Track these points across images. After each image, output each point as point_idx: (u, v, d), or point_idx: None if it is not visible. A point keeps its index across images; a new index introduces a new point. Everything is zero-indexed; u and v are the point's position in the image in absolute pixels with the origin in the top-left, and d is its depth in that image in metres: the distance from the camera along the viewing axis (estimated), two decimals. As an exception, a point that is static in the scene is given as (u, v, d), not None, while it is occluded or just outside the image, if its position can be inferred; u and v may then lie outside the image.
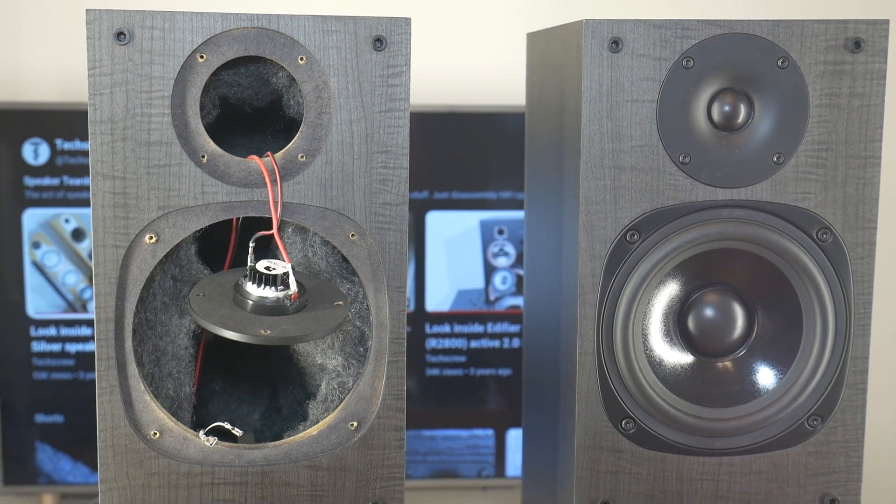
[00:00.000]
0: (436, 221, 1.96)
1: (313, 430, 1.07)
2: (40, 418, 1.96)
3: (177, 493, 1.05)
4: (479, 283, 1.98)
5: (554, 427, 1.17)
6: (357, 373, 1.07)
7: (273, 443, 1.07)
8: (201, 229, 1.04)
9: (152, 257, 1.03)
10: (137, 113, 1.01)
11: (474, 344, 1.99)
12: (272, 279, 1.02)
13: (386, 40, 1.03)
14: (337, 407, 1.07)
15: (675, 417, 1.08)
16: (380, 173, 1.04)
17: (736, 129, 1.06)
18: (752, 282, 1.08)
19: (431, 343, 1.99)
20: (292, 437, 1.07)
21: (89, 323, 1.94)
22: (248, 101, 1.07)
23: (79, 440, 1.96)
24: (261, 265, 1.02)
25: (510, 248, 1.97)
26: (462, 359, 1.99)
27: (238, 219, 1.09)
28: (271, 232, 1.02)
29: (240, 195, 1.03)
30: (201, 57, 1.01)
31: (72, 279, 1.93)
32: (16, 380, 1.94)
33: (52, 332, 1.93)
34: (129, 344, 1.03)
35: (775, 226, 1.07)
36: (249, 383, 1.23)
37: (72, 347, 1.94)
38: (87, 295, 1.94)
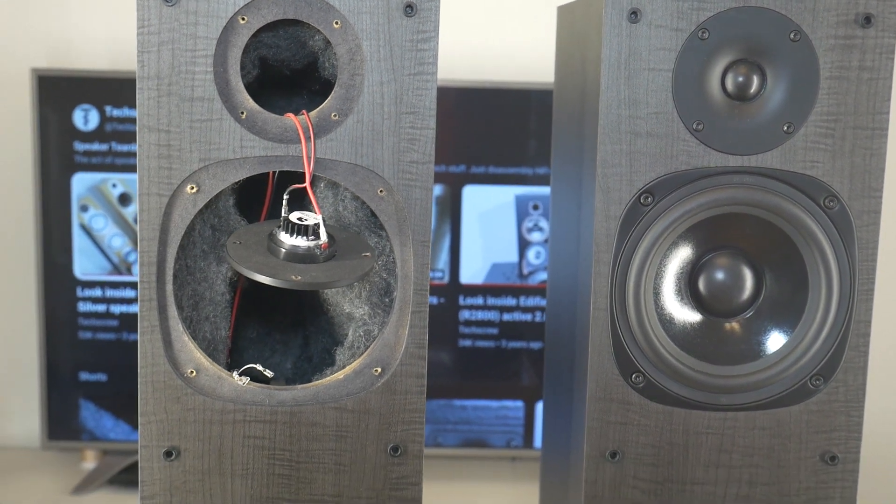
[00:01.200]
0: (472, 195, 2.05)
1: (339, 375, 1.16)
2: (84, 377, 2.06)
3: (210, 429, 1.15)
4: (513, 257, 2.06)
5: (570, 384, 1.25)
6: (382, 322, 1.16)
7: (301, 385, 1.16)
8: (239, 181, 1.13)
9: (193, 206, 1.12)
10: (182, 70, 1.10)
11: (507, 317, 2.07)
12: (304, 229, 1.11)
13: (416, 7, 1.11)
14: (363, 353, 1.16)
15: (683, 373, 1.16)
16: (408, 133, 1.13)
17: (748, 99, 1.13)
18: (761, 246, 1.16)
19: (465, 315, 2.07)
20: (320, 381, 1.16)
21: (134, 285, 2.04)
22: (286, 63, 1.16)
23: (121, 399, 2.07)
24: (294, 216, 1.11)
25: (544, 224, 2.05)
26: (494, 331, 2.08)
27: (274, 173, 1.18)
28: (304, 185, 1.11)
29: (276, 150, 1.12)
30: (242, 19, 1.10)
31: (118, 242, 2.03)
32: (62, 339, 2.04)
33: (97, 293, 2.04)
34: (169, 287, 1.13)
35: (784, 192, 1.14)
36: (282, 333, 1.32)
37: (116, 309, 2.04)
38: (132, 258, 2.04)
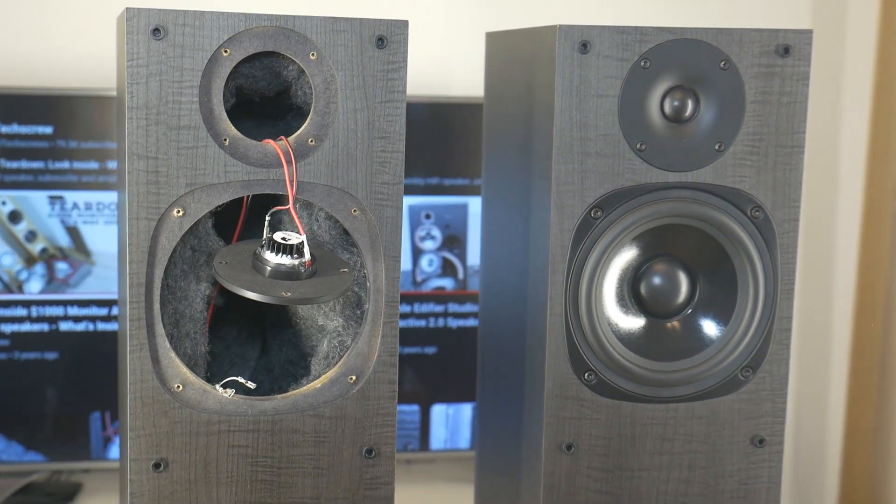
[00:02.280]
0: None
1: (317, 384, 1.27)
2: (-26, 397, 2.10)
3: (197, 440, 1.24)
4: (406, 265, 2.19)
5: (520, 385, 1.39)
6: (355, 333, 1.28)
7: (281, 395, 1.27)
8: (222, 204, 1.23)
9: (179, 229, 1.21)
10: (169, 100, 1.19)
11: (401, 323, 2.20)
12: (288, 248, 1.21)
13: (387, 39, 1.23)
14: (338, 363, 1.27)
15: (630, 370, 1.31)
16: (379, 156, 1.24)
17: (684, 122, 1.29)
18: (696, 252, 1.32)
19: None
20: (298, 390, 1.27)
21: (25, 304, 2.08)
22: (260, 91, 1.26)
23: (12, 419, 2.11)
24: (278, 236, 1.22)
25: (436, 232, 2.18)
26: (390, 337, 2.20)
27: (248, 196, 1.28)
28: (287, 207, 1.22)
29: (258, 174, 1.22)
30: (225, 51, 1.20)
31: (8, 261, 2.07)
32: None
33: (-14, 312, 2.08)
34: (156, 307, 1.21)
35: (716, 204, 1.31)
36: (240, 346, 1.42)
37: (7, 328, 2.08)
38: (23, 276, 2.08)
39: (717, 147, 1.30)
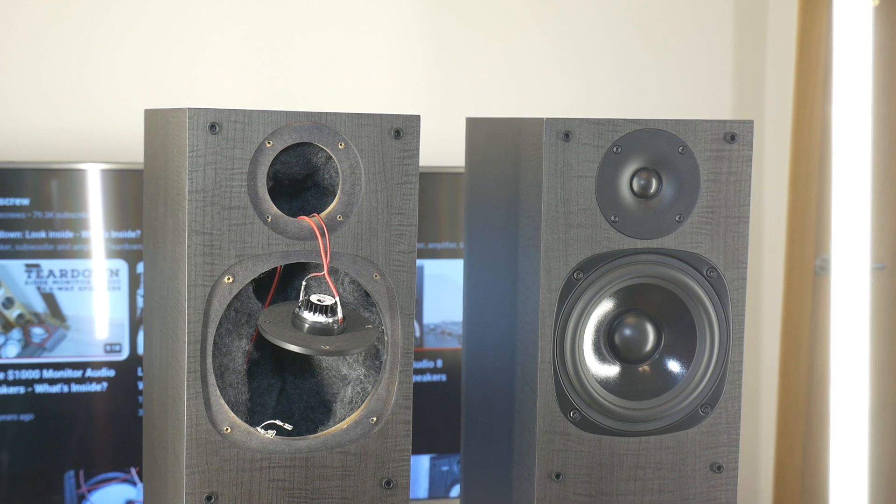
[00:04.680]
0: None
1: (343, 425, 1.60)
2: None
3: (243, 475, 1.56)
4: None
5: (509, 426, 1.73)
6: (375, 380, 1.61)
7: (313, 435, 1.59)
8: (266, 272, 1.56)
9: (229, 293, 1.54)
10: (222, 185, 1.52)
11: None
12: (324, 308, 1.55)
13: (402, 131, 1.58)
14: (360, 406, 1.61)
15: (608, 409, 1.66)
16: (396, 229, 1.59)
17: (650, 197, 1.66)
18: (661, 307, 1.68)
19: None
20: (327, 431, 1.59)
21: (1, 368, 2.36)
22: (292, 175, 1.60)
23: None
24: (314, 298, 1.55)
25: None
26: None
27: (281, 266, 1.62)
28: (322, 273, 1.56)
29: (295, 246, 1.55)
30: (269, 143, 1.54)
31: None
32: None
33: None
34: (209, 360, 1.53)
35: (677, 266, 1.67)
36: (259, 397, 1.74)
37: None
38: None
39: (677, 218, 1.67)
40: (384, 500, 1.58)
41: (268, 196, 1.51)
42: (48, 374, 2.39)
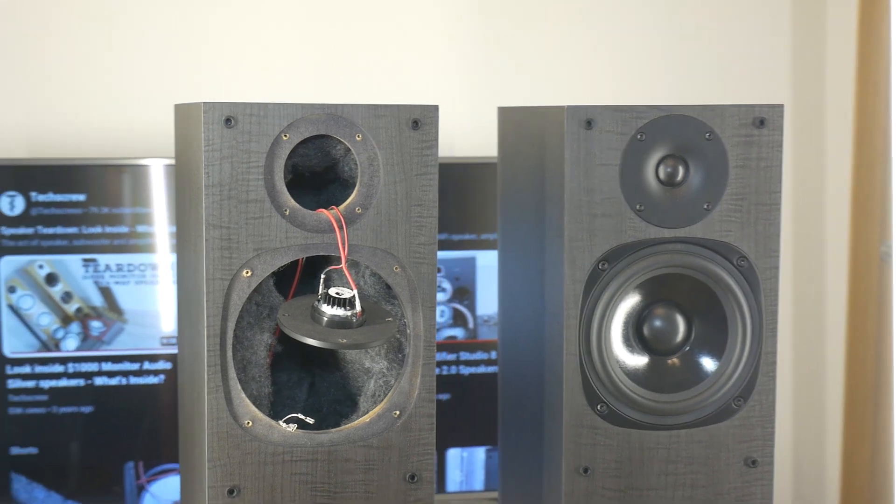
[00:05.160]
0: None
1: (366, 418, 1.57)
2: (15, 451, 2.38)
3: (264, 469, 1.54)
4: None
5: (540, 419, 1.70)
6: (398, 373, 1.59)
7: (335, 429, 1.57)
8: (284, 265, 1.54)
9: (248, 287, 1.52)
10: (239, 179, 1.50)
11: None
12: (342, 301, 1.53)
13: (420, 122, 1.55)
14: (383, 400, 1.58)
15: (637, 402, 1.62)
16: (416, 221, 1.56)
17: (676, 185, 1.61)
18: (691, 298, 1.63)
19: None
20: (350, 424, 1.57)
21: (62, 361, 2.38)
22: (312, 168, 1.58)
23: (52, 471, 2.39)
24: (332, 291, 1.53)
25: (447, 285, 2.49)
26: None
27: (303, 259, 1.59)
28: (340, 266, 1.53)
29: (314, 239, 1.53)
30: (285, 136, 1.52)
31: (45, 320, 2.37)
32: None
33: (26, 370, 2.37)
34: (228, 354, 1.52)
35: (706, 256, 1.62)
36: (290, 390, 1.73)
37: (45, 384, 2.37)
38: (59, 335, 2.38)
39: (705, 206, 1.62)
40: (408, 493, 1.56)
41: (285, 189, 1.49)
42: (107, 366, 2.39)
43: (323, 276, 1.53)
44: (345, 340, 1.48)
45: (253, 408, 1.52)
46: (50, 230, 2.34)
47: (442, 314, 2.48)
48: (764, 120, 1.60)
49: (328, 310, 1.51)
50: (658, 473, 1.62)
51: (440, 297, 2.46)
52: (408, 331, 1.56)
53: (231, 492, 1.52)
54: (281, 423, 1.53)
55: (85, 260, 2.39)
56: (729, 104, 1.59)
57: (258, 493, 1.53)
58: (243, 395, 1.51)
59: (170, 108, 2.48)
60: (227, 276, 1.50)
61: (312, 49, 2.54)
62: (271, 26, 2.51)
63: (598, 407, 1.60)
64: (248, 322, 1.54)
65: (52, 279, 2.36)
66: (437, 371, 2.53)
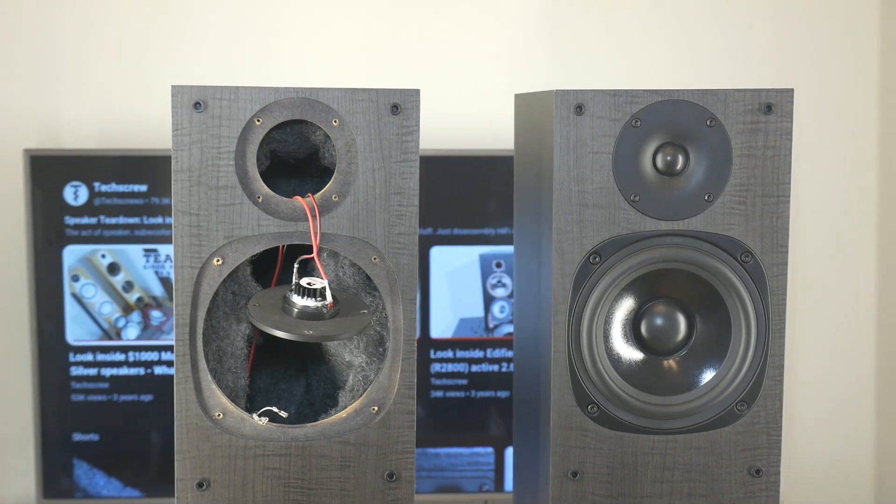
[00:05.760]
0: (439, 255, 2.40)
1: (343, 413, 1.50)
2: (77, 437, 2.38)
3: (235, 463, 1.48)
4: (479, 311, 2.41)
5: (536, 419, 1.60)
6: (377, 368, 1.51)
7: (311, 423, 1.50)
8: (257, 254, 1.48)
9: (219, 276, 1.46)
10: (209, 164, 1.45)
11: (475, 368, 2.42)
12: (313, 292, 1.45)
13: (401, 107, 1.47)
14: (362, 395, 1.50)
15: (630, 403, 1.51)
16: (396, 210, 1.48)
17: (675, 175, 1.50)
18: (691, 295, 1.51)
19: (435, 367, 2.42)
20: (326, 419, 1.50)
21: (123, 349, 2.37)
22: (292, 154, 1.51)
23: (112, 457, 2.39)
24: (303, 281, 1.46)
25: (507, 280, 2.40)
26: (464, 382, 2.42)
27: (283, 246, 1.53)
28: (312, 256, 1.46)
29: (287, 227, 1.47)
30: (258, 121, 1.45)
31: (107, 309, 2.36)
32: (55, 402, 2.36)
33: (88, 357, 2.36)
34: (199, 344, 1.46)
35: (707, 250, 1.50)
36: (287, 382, 1.66)
37: (107, 372, 2.37)
38: (120, 324, 2.37)
39: (706, 197, 1.50)
40: (387, 492, 1.48)
41: (258, 176, 1.43)
42: (167, 356, 2.37)
43: (296, 265, 1.46)
44: (311, 332, 1.41)
45: (224, 400, 1.46)
46: (112, 220, 2.34)
47: (502, 310, 2.40)
48: (772, 105, 1.47)
49: (299, 300, 1.44)
50: (653, 480, 1.51)
51: (502, 292, 2.37)
52: (388, 324, 1.48)
53: (200, 485, 1.46)
54: (254, 416, 1.46)
55: (146, 250, 2.38)
56: (733, 88, 1.46)
57: (229, 487, 1.47)
58: (214, 386, 1.46)
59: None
60: (197, 265, 1.44)
61: (387, 37, 2.46)
62: (339, 18, 2.45)
63: (589, 408, 1.50)
64: (225, 312, 1.49)
65: (113, 268, 2.35)
66: (495, 368, 2.46)
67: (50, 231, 2.32)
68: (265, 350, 1.60)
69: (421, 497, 2.36)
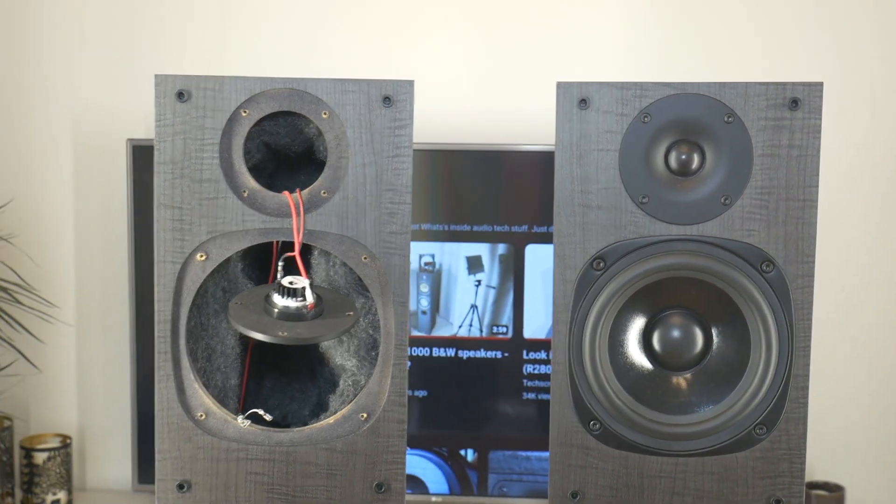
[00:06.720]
0: (534, 253, 2.27)
1: (331, 419, 1.40)
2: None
3: (217, 465, 1.40)
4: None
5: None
6: (369, 373, 1.40)
7: (297, 428, 1.40)
8: (243, 249, 1.39)
9: (202, 271, 1.38)
10: (192, 156, 1.37)
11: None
12: (293, 292, 1.36)
13: (393, 99, 1.36)
14: (351, 401, 1.40)
15: (636, 421, 1.36)
16: (387, 207, 1.37)
17: (689, 175, 1.34)
18: (707, 306, 1.36)
19: (528, 368, 2.29)
20: (313, 424, 1.40)
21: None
22: (287, 147, 1.42)
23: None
24: (286, 280, 1.36)
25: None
26: (555, 384, 2.29)
27: (278, 243, 1.43)
28: (294, 254, 1.36)
29: (273, 223, 1.37)
30: (244, 112, 1.37)
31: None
32: (153, 389, 2.33)
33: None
34: (182, 341, 1.39)
35: (724, 258, 1.34)
36: (300, 382, 1.57)
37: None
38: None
39: (723, 200, 1.34)
40: (375, 503, 1.37)
41: (245, 169, 1.35)
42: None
43: (281, 263, 1.37)
44: (285, 334, 1.31)
45: (208, 400, 1.38)
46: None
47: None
48: (798, 100, 1.30)
49: (279, 300, 1.35)
50: (660, 506, 1.35)
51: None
52: (381, 327, 1.37)
53: (181, 486, 1.39)
54: (238, 418, 1.38)
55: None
56: (754, 81, 1.30)
57: (211, 489, 1.39)
58: (197, 385, 1.38)
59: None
60: (179, 259, 1.36)
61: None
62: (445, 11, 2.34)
63: (591, 424, 1.36)
64: (215, 309, 1.40)
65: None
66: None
67: (151, 217, 2.29)
68: (278, 348, 1.51)
69: (512, 500, 2.24)
